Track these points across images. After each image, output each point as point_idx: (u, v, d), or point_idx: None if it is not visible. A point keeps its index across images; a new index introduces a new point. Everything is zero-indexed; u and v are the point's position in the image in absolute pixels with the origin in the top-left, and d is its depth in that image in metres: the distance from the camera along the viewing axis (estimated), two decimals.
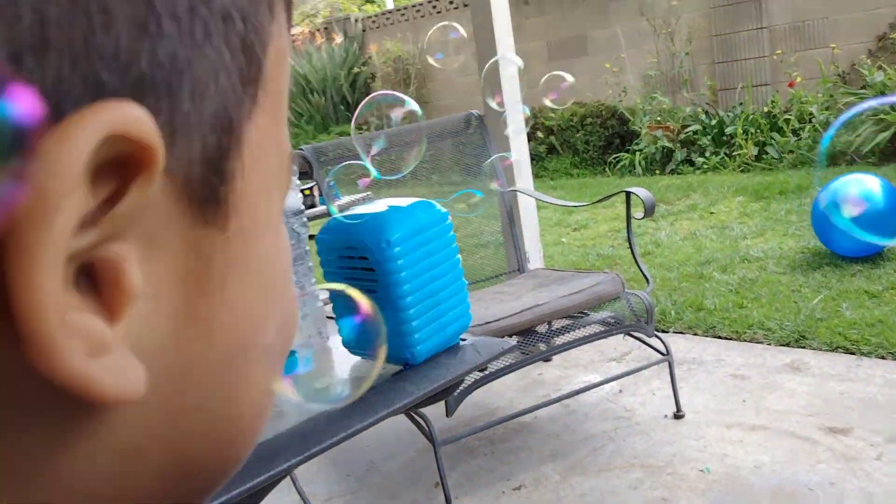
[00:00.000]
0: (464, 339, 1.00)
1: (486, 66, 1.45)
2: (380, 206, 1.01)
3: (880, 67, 5.44)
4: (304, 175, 2.90)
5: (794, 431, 2.21)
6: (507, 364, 2.20)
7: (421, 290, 0.93)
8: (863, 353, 2.59)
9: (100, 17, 0.15)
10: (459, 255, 1.01)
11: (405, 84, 8.82)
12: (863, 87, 5.49)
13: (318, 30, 9.79)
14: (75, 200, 0.15)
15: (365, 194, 3.42)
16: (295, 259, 1.06)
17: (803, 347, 2.74)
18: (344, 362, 1.03)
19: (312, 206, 3.88)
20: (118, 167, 0.16)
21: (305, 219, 1.10)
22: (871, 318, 2.77)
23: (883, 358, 2.54)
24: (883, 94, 5.22)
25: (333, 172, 1.05)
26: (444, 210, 0.98)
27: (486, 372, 2.11)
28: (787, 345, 2.78)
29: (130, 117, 0.15)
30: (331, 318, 1.07)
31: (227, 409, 0.22)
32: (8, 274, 0.14)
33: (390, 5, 12.48)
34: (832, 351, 2.67)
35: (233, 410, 0.22)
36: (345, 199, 3.36)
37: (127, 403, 0.17)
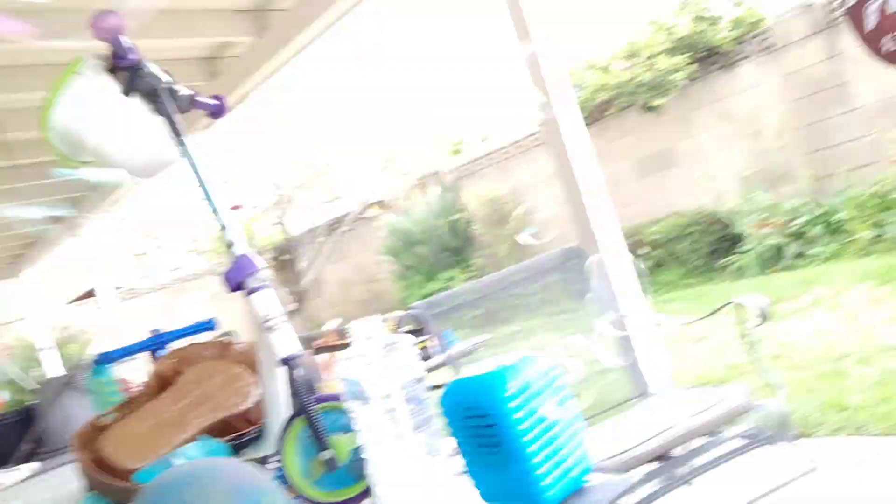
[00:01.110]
0: (588, 481, 1.06)
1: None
2: (490, 365, 1.11)
3: None
4: (418, 332, 3.05)
5: None
6: (649, 494, 2.17)
7: (542, 438, 1.01)
8: None
9: None
10: (574, 398, 1.09)
11: (503, 223, 9.12)
12: None
13: (415, 186, 10.39)
14: None
15: (480, 338, 3.53)
16: (423, 423, 1.16)
17: None
18: None
19: (427, 357, 4.01)
20: None
21: (427, 385, 1.21)
22: None
23: None
24: None
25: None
26: (552, 362, 1.07)
27: None
28: None
29: None
30: (464, 474, 1.16)
31: None
32: None
33: (477, 153, 13.12)
34: None
35: None
36: (461, 347, 3.48)
37: None
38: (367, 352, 1.15)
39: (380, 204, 10.69)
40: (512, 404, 0.98)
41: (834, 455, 2.72)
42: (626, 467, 2.24)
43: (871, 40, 2.46)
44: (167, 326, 2.49)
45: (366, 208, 10.82)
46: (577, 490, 1.02)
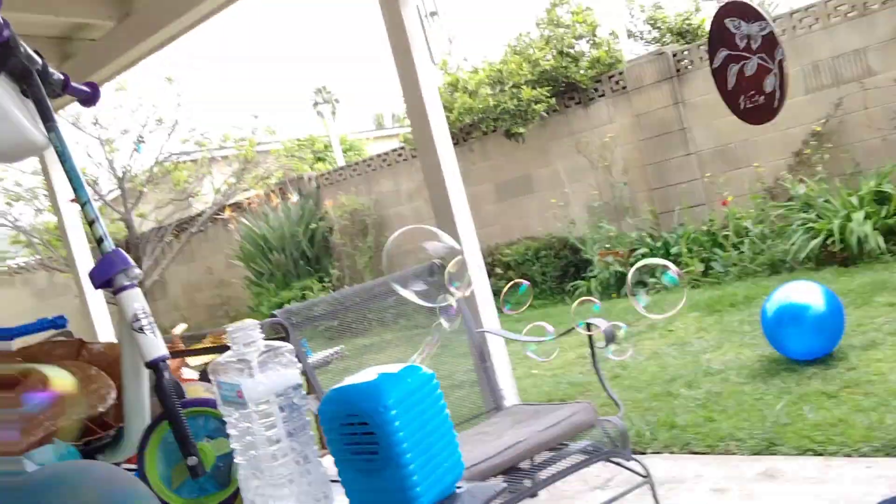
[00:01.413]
0: (459, 487, 1.11)
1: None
2: (371, 373, 1.13)
3: (801, 181, 5.89)
4: (282, 340, 3.00)
5: None
6: None
7: (418, 446, 1.04)
8: (830, 454, 2.71)
9: None
10: (448, 411, 1.13)
11: (363, 234, 9.12)
12: (789, 200, 5.92)
13: (273, 191, 10.15)
14: None
15: (336, 349, 3.52)
16: (297, 429, 1.17)
17: (774, 454, 2.84)
18: None
19: None
20: None
21: (304, 392, 1.21)
22: (833, 419, 2.91)
23: (849, 456, 2.66)
24: (808, 204, 5.63)
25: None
26: (430, 371, 1.11)
27: None
28: (759, 453, 2.88)
29: None
30: (335, 481, 1.17)
31: None
32: None
33: (341, 162, 13.05)
34: (802, 455, 2.78)
35: None
36: (317, 356, 3.46)
37: None
38: (246, 356, 1.14)
39: (235, 206, 10.35)
40: (393, 412, 1.01)
41: (663, 470, 2.95)
42: (476, 480, 2.31)
43: (731, 98, 2.73)
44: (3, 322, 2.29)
45: (220, 210, 10.45)
46: (449, 496, 1.06)
